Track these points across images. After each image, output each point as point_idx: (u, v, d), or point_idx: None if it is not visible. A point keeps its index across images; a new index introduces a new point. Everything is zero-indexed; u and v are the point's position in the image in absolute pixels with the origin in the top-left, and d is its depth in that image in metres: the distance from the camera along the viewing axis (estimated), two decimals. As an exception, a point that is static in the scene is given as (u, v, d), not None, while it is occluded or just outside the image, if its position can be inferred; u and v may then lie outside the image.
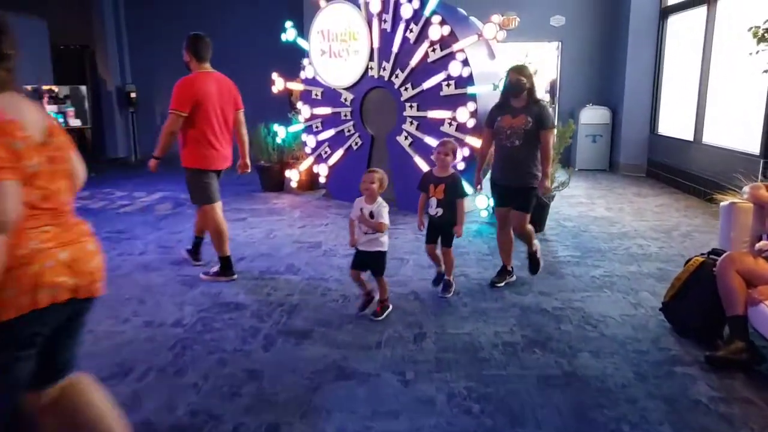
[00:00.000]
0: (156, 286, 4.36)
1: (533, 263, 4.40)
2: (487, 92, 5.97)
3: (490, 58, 6.40)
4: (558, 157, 5.87)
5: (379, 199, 3.66)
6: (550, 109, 4.99)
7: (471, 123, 6.02)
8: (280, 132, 7.87)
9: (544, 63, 10.28)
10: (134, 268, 4.83)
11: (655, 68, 8.87)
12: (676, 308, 3.48)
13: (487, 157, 4.49)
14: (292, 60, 7.91)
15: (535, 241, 4.36)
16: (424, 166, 6.47)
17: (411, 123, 6.54)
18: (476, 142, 6.03)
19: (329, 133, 7.33)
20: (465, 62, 5.99)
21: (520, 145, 4.05)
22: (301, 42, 7.43)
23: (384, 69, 6.64)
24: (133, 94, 11.15)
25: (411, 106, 6.50)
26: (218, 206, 4.53)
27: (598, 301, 3.97)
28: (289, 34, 7.48)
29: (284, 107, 8.19)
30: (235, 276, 4.50)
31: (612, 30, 9.64)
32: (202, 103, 4.27)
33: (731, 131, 7.00)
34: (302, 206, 7.15)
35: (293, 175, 7.84)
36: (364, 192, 3.67)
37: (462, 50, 6.00)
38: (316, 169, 7.57)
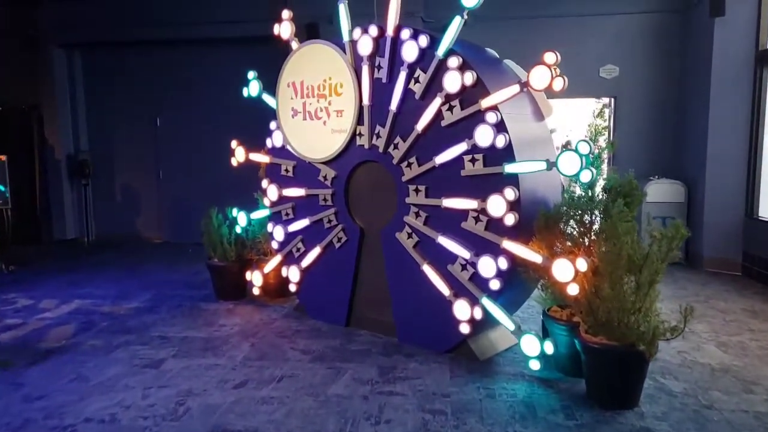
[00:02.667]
0: None
1: None
2: (537, 173, 3.78)
3: (537, 118, 4.26)
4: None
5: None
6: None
7: (510, 219, 3.81)
8: (240, 219, 5.74)
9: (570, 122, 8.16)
10: None
11: (752, 130, 6.65)
12: None
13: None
14: (258, 123, 5.87)
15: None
16: (439, 283, 4.22)
17: (417, 215, 4.36)
18: (522, 250, 3.78)
19: (302, 223, 5.17)
20: (499, 126, 3.85)
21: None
22: (267, 99, 5.41)
23: (378, 136, 4.54)
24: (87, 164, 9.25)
25: (417, 190, 4.34)
26: None
27: None
28: (252, 88, 5.48)
29: (247, 185, 6.11)
30: None
31: (684, 81, 7.53)
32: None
33: None
34: (259, 332, 4.89)
35: (256, 279, 5.64)
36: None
37: (494, 108, 3.87)
38: (285, 271, 5.37)
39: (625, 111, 7.80)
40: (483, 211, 3.97)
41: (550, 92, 3.79)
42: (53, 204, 9.37)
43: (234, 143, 5.71)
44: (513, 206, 3.83)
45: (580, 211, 3.73)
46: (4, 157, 7.51)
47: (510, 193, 3.81)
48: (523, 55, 4.54)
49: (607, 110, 7.89)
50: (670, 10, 7.57)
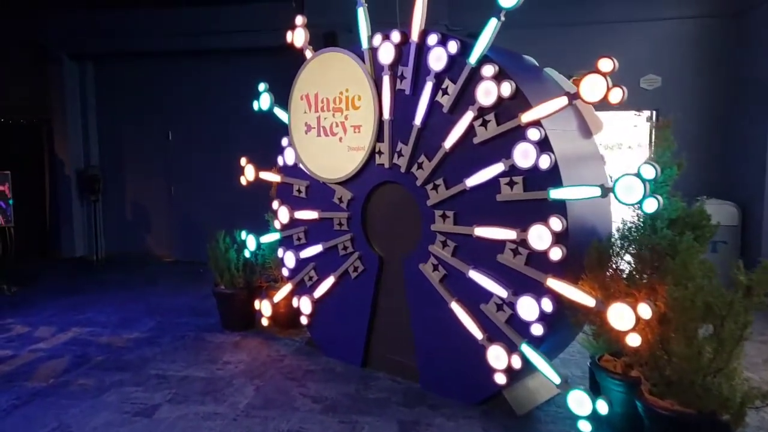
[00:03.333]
0: None
1: None
2: (588, 199, 3.22)
3: (584, 135, 3.70)
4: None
5: None
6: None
7: (556, 253, 3.25)
8: (250, 242, 5.25)
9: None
10: None
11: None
12: None
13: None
14: (270, 138, 5.39)
15: None
16: (470, 324, 3.67)
17: (444, 244, 3.82)
18: (570, 290, 3.22)
19: (315, 249, 4.66)
20: (543, 144, 3.30)
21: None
22: (278, 113, 4.94)
23: (400, 155, 4.02)
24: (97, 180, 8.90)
25: (444, 217, 3.80)
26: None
27: None
28: (263, 101, 5.01)
29: (262, 204, 5.63)
30: None
31: (736, 92, 6.88)
32: None
33: None
34: (266, 371, 4.37)
35: (265, 309, 5.14)
36: None
37: (537, 123, 3.33)
38: (296, 301, 4.86)
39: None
40: (523, 242, 3.42)
41: (602, 105, 3.23)
42: (62, 220, 9.03)
43: (243, 160, 5.24)
44: (559, 238, 3.27)
45: (639, 246, 3.16)
46: (8, 172, 7.17)
47: (556, 223, 3.25)
48: (554, 65, 3.99)
49: (649, 123, 7.28)
50: (718, 15, 6.93)
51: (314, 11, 7.03)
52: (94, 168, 9.02)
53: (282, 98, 4.85)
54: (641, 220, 3.21)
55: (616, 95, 3.03)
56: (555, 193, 3.27)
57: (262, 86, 5.02)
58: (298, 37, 4.66)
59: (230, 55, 8.37)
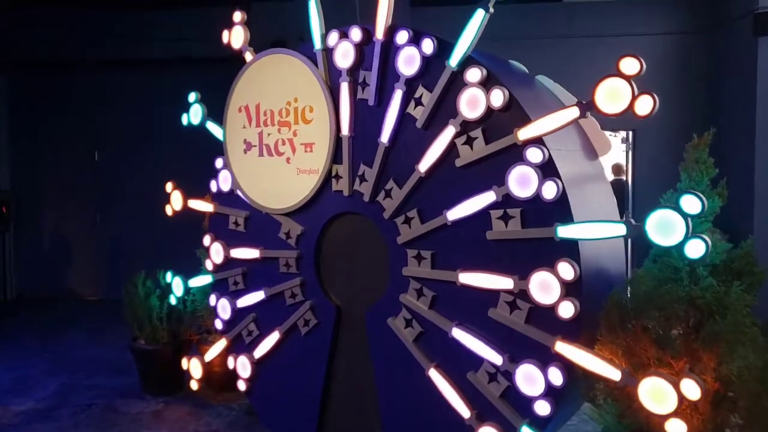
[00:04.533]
0: None
1: None
2: (600, 240, 2.49)
3: (589, 157, 3.00)
4: None
5: None
6: None
7: (567, 309, 2.50)
8: (176, 287, 4.29)
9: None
10: None
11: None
12: None
13: None
14: (201, 159, 4.48)
15: None
16: (453, 397, 2.86)
17: (419, 293, 3.01)
18: (587, 358, 2.46)
19: (256, 296, 3.76)
20: (546, 168, 2.57)
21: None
22: (212, 128, 4.07)
23: (362, 179, 3.21)
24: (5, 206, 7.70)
25: (419, 258, 3.00)
26: None
27: None
28: (194, 113, 4.13)
29: (188, 241, 4.69)
30: None
31: (719, 111, 6.43)
32: None
33: None
34: (192, 456, 3.42)
35: (194, 369, 4.17)
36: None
37: (538, 142, 2.60)
38: (232, 362, 3.92)
39: (647, 146, 6.69)
40: (522, 294, 2.65)
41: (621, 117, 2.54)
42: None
43: (169, 186, 4.32)
44: (570, 289, 2.52)
45: (673, 299, 2.44)
46: None
47: (566, 270, 2.51)
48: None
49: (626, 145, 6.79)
50: (697, 31, 6.54)
51: (261, 17, 6.25)
52: (5, 193, 7.82)
53: (219, 112, 3.98)
54: (675, 264, 2.50)
55: (645, 105, 2.33)
56: (564, 231, 2.53)
57: (192, 96, 4.14)
58: (236, 36, 3.84)
59: (169, 66, 7.43)
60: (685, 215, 2.23)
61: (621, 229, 2.40)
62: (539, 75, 3.26)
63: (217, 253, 3.96)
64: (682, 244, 2.23)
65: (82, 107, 7.81)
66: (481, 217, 2.77)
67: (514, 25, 6.62)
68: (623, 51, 6.89)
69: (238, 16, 3.86)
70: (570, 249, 2.55)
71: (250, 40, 3.83)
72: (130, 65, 7.54)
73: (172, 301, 4.33)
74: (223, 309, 3.94)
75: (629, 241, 3.51)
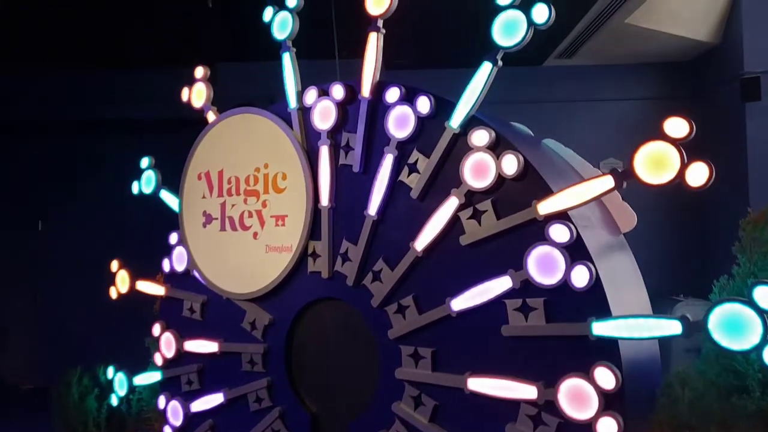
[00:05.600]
0: None
1: None
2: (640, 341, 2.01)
3: (612, 233, 2.56)
4: None
5: None
6: None
7: (608, 428, 1.97)
8: (119, 385, 3.59)
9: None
10: None
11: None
12: None
13: None
14: (153, 235, 3.88)
15: None
16: None
17: (417, 401, 2.44)
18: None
19: (214, 399, 3.10)
20: (575, 249, 2.10)
21: None
22: (166, 197, 3.52)
23: (346, 258, 2.69)
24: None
25: (416, 357, 2.45)
26: None
27: None
28: (146, 181, 3.59)
29: (133, 330, 4.02)
30: None
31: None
32: None
33: None
34: None
35: (137, 488, 3.42)
36: None
37: (563, 217, 2.15)
38: (184, 480, 3.20)
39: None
40: (549, 406, 2.12)
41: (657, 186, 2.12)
42: None
43: (115, 264, 3.70)
44: (611, 401, 2.01)
45: (744, 416, 1.95)
46: None
47: (605, 377, 2.00)
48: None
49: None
50: (681, 96, 6.43)
51: (227, 77, 5.87)
52: None
53: (175, 180, 3.45)
54: (740, 369, 2.03)
55: (700, 174, 1.91)
56: (601, 328, 2.04)
57: (144, 161, 3.61)
58: (197, 94, 3.38)
59: (123, 128, 6.91)
60: (761, 311, 1.77)
61: (675, 328, 1.92)
62: (546, 139, 2.87)
63: (167, 345, 3.32)
64: (760, 347, 1.76)
65: (25, 173, 7.16)
66: (495, 307, 2.27)
67: (493, 89, 6.39)
68: (605, 115, 6.70)
69: (200, 71, 3.42)
70: (608, 350, 2.05)
71: (213, 102, 3.38)
72: (86, 127, 7.00)
73: (114, 401, 3.62)
74: (174, 413, 3.25)
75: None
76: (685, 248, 6.39)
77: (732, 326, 1.82)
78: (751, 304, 1.79)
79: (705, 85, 6.24)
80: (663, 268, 6.35)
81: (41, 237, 7.18)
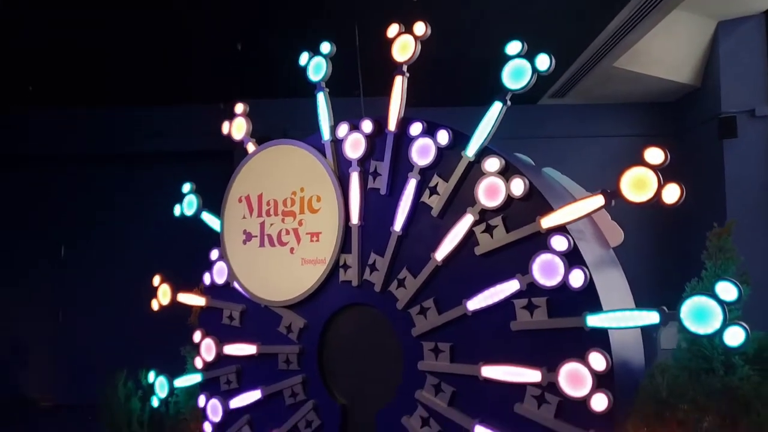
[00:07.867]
0: None
1: None
2: (628, 330, 2.44)
3: (602, 246, 3.01)
4: None
5: None
6: None
7: (601, 402, 2.38)
8: (160, 387, 3.95)
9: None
10: None
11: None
12: None
13: None
14: (194, 253, 4.31)
15: None
16: None
17: (437, 389, 2.85)
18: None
19: (252, 395, 3.48)
20: (572, 256, 2.56)
21: None
22: (207, 219, 3.96)
23: (373, 269, 3.13)
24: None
25: (437, 351, 2.87)
26: None
27: None
28: (188, 204, 4.03)
29: (172, 338, 4.40)
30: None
31: (688, 212, 6.70)
32: None
33: None
34: None
35: (175, 483, 3.75)
36: None
37: (563, 230, 2.60)
38: (221, 473, 3.55)
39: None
40: (551, 387, 2.53)
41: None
42: None
43: (157, 279, 4.10)
44: (603, 380, 2.42)
45: (705, 391, 2.37)
46: None
47: (598, 360, 2.42)
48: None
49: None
50: (664, 134, 6.97)
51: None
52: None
53: (213, 204, 3.90)
54: (707, 353, 2.46)
55: (672, 193, 2.38)
56: (594, 320, 2.47)
57: (186, 187, 4.05)
58: (237, 126, 3.85)
59: (152, 160, 7.43)
60: (721, 302, 2.21)
61: (654, 317, 2.36)
62: (545, 168, 3.35)
63: (208, 349, 3.70)
64: (720, 331, 2.20)
65: (55, 201, 7.61)
66: (504, 306, 2.70)
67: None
68: (593, 150, 7.24)
69: (240, 107, 3.90)
70: (600, 339, 2.48)
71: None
72: (114, 159, 7.52)
73: (155, 403, 3.97)
74: (214, 411, 3.62)
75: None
76: (670, 268, 6.79)
77: (699, 314, 2.26)
78: (714, 296, 2.23)
79: (686, 123, 6.80)
80: (650, 285, 6.73)
81: (64, 261, 7.56)
